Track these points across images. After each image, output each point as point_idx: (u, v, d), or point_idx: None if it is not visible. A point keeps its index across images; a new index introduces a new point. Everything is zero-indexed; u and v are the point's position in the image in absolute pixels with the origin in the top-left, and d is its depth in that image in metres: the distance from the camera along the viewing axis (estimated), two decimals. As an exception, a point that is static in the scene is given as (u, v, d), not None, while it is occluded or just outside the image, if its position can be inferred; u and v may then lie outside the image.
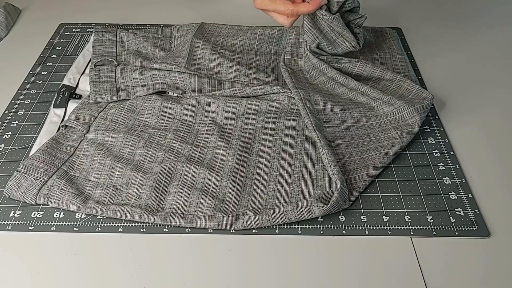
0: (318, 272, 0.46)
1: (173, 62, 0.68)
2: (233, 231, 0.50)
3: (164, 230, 0.50)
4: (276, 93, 0.63)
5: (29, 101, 0.66)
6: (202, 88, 0.65)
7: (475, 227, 0.50)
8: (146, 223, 0.50)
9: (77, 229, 0.50)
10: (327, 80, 0.65)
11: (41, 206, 0.52)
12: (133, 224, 0.50)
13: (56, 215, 0.51)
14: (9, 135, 0.61)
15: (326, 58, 0.65)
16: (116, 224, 0.50)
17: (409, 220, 0.51)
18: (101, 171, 0.54)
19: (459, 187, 0.54)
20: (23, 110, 0.64)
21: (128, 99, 0.64)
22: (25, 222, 0.50)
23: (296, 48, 0.69)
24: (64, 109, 0.64)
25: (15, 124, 0.62)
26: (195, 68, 0.67)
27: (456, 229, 0.50)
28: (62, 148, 0.57)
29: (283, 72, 0.65)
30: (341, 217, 0.51)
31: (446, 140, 0.60)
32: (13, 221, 0.51)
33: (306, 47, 0.65)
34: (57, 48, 0.76)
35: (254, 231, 0.50)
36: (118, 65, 0.70)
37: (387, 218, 0.51)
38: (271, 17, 0.60)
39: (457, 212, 0.51)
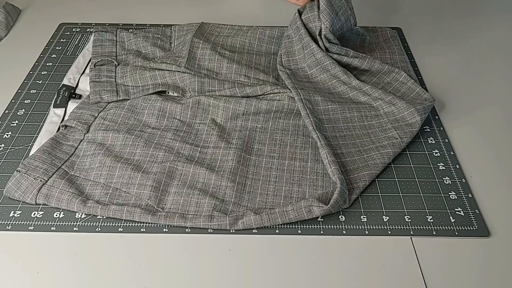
0: (318, 272, 0.46)
1: (173, 62, 0.68)
2: (233, 231, 0.50)
3: (164, 230, 0.50)
4: (276, 93, 0.63)
5: (29, 101, 0.66)
6: (202, 88, 0.65)
7: (475, 227, 0.50)
8: (146, 223, 0.50)
9: (77, 229, 0.50)
10: (329, 78, 0.64)
11: (41, 206, 0.52)
12: (133, 224, 0.50)
13: (56, 215, 0.51)
14: (9, 135, 0.61)
15: (335, 49, 0.65)
16: (116, 224, 0.50)
17: (409, 220, 0.51)
18: (101, 171, 0.54)
19: (459, 187, 0.54)
20: (23, 110, 0.64)
21: (128, 99, 0.64)
22: (25, 222, 0.50)
23: (292, 48, 0.69)
24: (64, 109, 0.64)
25: (15, 124, 0.62)
26: (195, 68, 0.67)
27: (456, 229, 0.50)
28: (62, 148, 0.57)
29: (281, 74, 0.65)
30: (341, 217, 0.51)
31: (446, 140, 0.60)
32: (13, 221, 0.51)
33: (321, 34, 0.65)
34: (57, 48, 0.76)
35: (254, 231, 0.50)
36: (118, 65, 0.70)
37: (387, 218, 0.51)
38: None
39: (457, 212, 0.51)
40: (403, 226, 0.50)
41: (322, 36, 0.65)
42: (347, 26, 0.67)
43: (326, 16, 0.63)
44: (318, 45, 0.65)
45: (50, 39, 0.78)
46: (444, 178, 0.55)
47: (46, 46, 0.77)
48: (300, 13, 0.68)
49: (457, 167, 0.56)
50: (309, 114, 0.59)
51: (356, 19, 0.67)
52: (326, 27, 0.63)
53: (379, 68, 0.65)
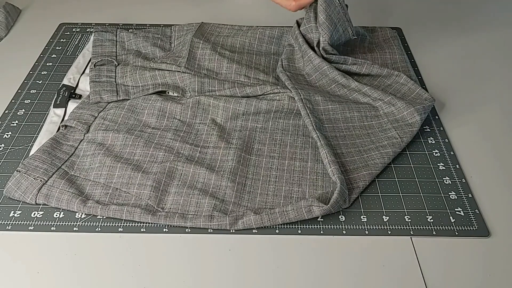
0: (318, 272, 0.46)
1: (173, 62, 0.68)
2: (233, 231, 0.50)
3: (164, 230, 0.50)
4: (276, 93, 0.63)
5: (29, 101, 0.66)
6: (202, 88, 0.65)
7: (475, 227, 0.50)
8: (146, 223, 0.50)
9: (77, 229, 0.50)
10: (328, 83, 0.65)
11: (41, 206, 0.52)
12: (133, 224, 0.50)
13: (56, 215, 0.51)
14: (9, 135, 0.61)
15: (334, 58, 0.65)
16: (116, 224, 0.50)
17: (409, 220, 0.51)
18: (101, 171, 0.54)
19: (459, 187, 0.54)
20: (23, 110, 0.64)
21: (128, 99, 0.65)
22: (25, 222, 0.50)
23: (293, 55, 0.69)
24: (64, 109, 0.64)
25: (15, 124, 0.62)
26: (195, 68, 0.67)
27: (456, 229, 0.50)
28: (62, 148, 0.57)
29: (281, 76, 0.65)
30: (341, 217, 0.51)
31: (446, 140, 0.60)
32: (13, 221, 0.51)
33: (319, 46, 0.65)
34: (57, 48, 0.76)
35: (254, 231, 0.50)
36: (118, 65, 0.70)
37: (387, 218, 0.51)
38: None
39: (457, 212, 0.51)
40: (403, 226, 0.50)
41: (320, 48, 0.65)
42: (345, 37, 0.67)
43: (325, 29, 0.63)
44: (315, 52, 0.66)
45: (50, 39, 0.78)
46: (444, 178, 0.55)
47: (46, 46, 0.77)
48: (298, 24, 0.68)
49: (457, 167, 0.56)
50: (309, 114, 0.59)
51: (353, 30, 0.67)
52: (325, 40, 0.64)
53: (378, 72, 0.65)
